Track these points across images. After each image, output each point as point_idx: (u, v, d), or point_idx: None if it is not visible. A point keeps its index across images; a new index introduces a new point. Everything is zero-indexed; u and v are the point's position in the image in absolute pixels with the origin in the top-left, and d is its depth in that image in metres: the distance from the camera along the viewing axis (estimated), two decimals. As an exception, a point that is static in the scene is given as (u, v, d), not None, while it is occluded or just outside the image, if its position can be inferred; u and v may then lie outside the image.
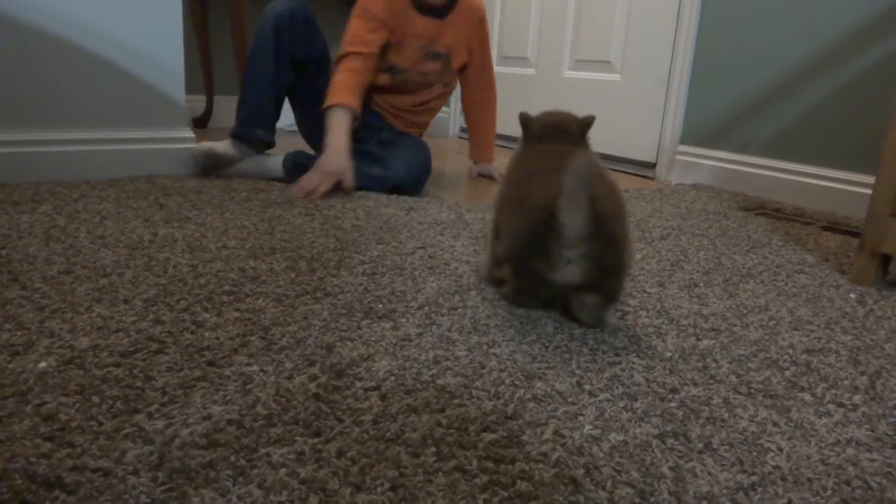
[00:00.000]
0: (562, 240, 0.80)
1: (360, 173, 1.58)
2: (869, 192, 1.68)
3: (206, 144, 1.67)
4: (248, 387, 0.66)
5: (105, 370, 0.67)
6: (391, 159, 1.62)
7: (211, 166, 1.68)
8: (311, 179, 1.52)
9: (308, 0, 1.66)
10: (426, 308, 0.90)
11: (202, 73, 2.65)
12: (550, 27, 2.61)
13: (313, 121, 1.66)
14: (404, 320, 0.85)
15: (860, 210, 1.71)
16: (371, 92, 1.71)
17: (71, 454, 0.53)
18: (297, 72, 1.67)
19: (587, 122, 1.02)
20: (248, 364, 0.70)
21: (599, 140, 2.42)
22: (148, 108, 1.64)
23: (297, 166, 1.64)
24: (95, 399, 0.61)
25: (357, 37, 1.59)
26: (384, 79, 1.71)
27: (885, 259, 1.15)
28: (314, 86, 1.68)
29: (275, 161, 1.70)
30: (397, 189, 1.63)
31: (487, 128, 1.98)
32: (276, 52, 1.60)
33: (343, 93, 1.55)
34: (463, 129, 3.19)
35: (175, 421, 0.59)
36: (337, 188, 1.54)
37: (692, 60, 2.12)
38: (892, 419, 0.69)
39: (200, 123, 2.73)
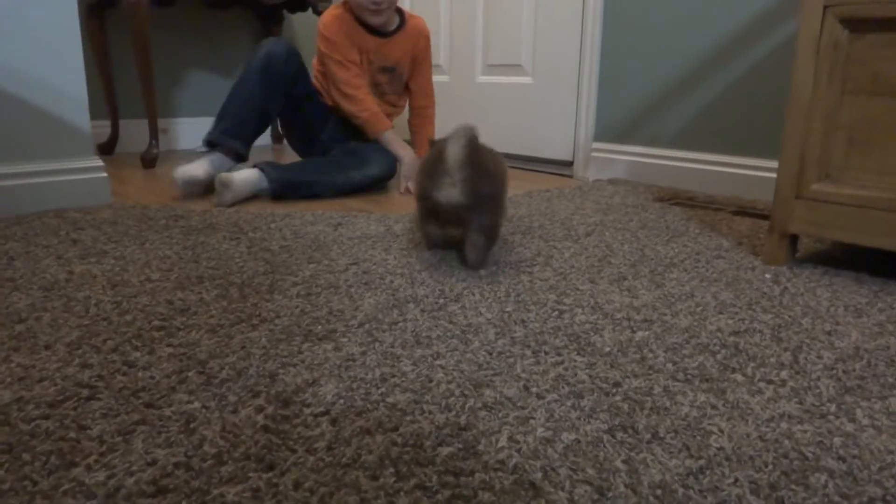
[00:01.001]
0: (445, 166, 1.06)
1: (341, 179, 1.83)
2: (771, 175, 1.79)
3: (184, 172, 1.71)
4: (192, 426, 0.63)
5: (33, 424, 0.63)
6: (368, 161, 1.87)
7: (195, 192, 1.75)
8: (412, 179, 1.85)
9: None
10: (366, 325, 0.89)
11: (105, 98, 2.53)
12: (461, 34, 2.65)
13: (303, 137, 2.01)
14: (346, 340, 0.84)
15: (765, 193, 1.81)
16: (336, 107, 1.96)
17: (6, 520, 0.50)
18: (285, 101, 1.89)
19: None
20: (189, 402, 0.68)
21: (517, 141, 2.47)
22: (51, 138, 1.56)
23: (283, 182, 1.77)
24: (26, 456, 0.58)
25: (350, 83, 1.89)
26: None
27: (794, 239, 1.22)
28: (302, 113, 1.95)
29: (253, 174, 1.74)
30: (375, 183, 1.90)
31: (428, 127, 2.17)
32: (263, 81, 1.78)
33: (382, 120, 1.93)
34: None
35: (117, 470, 0.56)
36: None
37: (599, 60, 2.20)
38: (817, 390, 0.74)
39: (106, 149, 2.61)
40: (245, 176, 1.70)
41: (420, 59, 2.05)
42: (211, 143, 1.81)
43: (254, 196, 1.75)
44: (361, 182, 1.86)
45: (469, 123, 1.09)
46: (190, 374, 0.74)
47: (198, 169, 1.75)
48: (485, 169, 1.10)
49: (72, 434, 0.61)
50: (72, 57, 1.55)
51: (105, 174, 1.65)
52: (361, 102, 1.89)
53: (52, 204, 1.57)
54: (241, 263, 1.16)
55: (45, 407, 0.66)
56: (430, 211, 1.17)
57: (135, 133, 2.66)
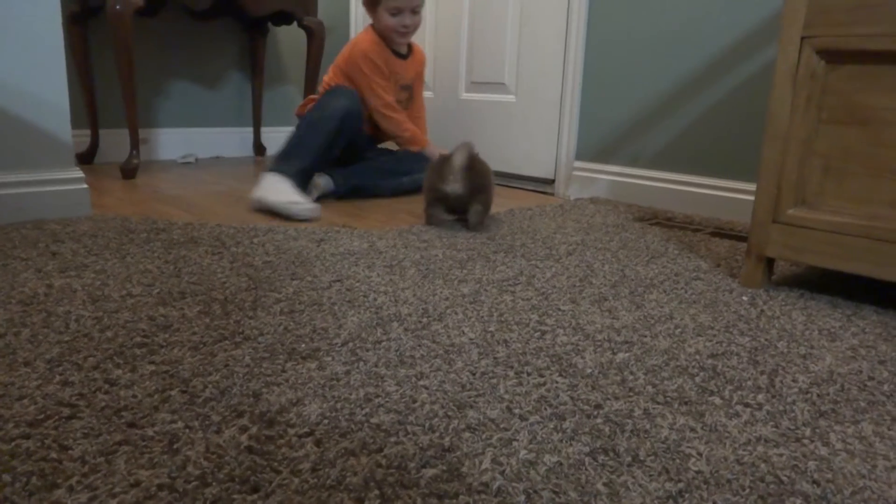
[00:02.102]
0: (451, 167, 1.58)
1: (395, 183, 2.11)
2: (747, 197, 1.82)
3: (299, 206, 1.73)
4: (176, 446, 0.63)
5: (13, 444, 0.62)
6: (416, 169, 2.11)
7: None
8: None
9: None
10: (350, 344, 0.90)
11: (85, 107, 2.51)
12: (445, 51, 2.67)
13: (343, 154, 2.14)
14: (329, 359, 0.85)
15: (741, 215, 1.85)
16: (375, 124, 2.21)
17: (-14, 543, 0.49)
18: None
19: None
20: (172, 421, 0.68)
21: (499, 158, 2.49)
22: (31, 148, 1.54)
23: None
24: (6, 477, 0.57)
25: (391, 106, 2.14)
26: None
27: (770, 262, 1.25)
28: (354, 147, 2.14)
29: (327, 179, 1.99)
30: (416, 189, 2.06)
31: (422, 129, 2.37)
32: (339, 129, 1.97)
33: (421, 137, 2.23)
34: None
35: (100, 492, 0.56)
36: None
37: (581, 81, 2.23)
38: (792, 414, 0.76)
39: (86, 159, 2.58)
40: (324, 180, 1.98)
41: (421, 77, 2.33)
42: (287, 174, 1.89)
43: (323, 196, 1.98)
44: (410, 187, 2.12)
45: (468, 141, 1.63)
46: (173, 392, 0.74)
47: (302, 199, 1.78)
48: (478, 170, 1.61)
49: (53, 454, 0.61)
50: (55, 67, 1.54)
51: (85, 185, 1.63)
52: (402, 123, 2.17)
53: (31, 215, 1.55)
54: (223, 279, 1.16)
55: (24, 426, 0.66)
56: (439, 199, 1.64)
57: (115, 143, 2.64)
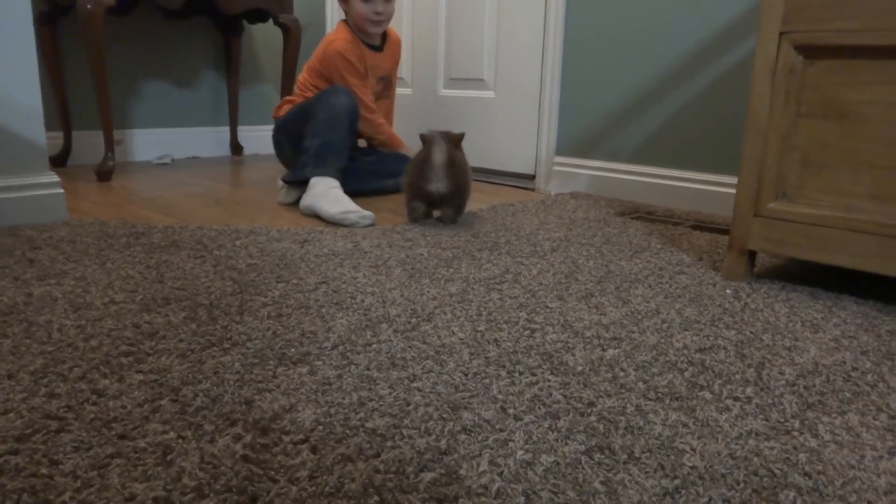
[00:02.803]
0: (433, 166, 1.60)
1: (380, 185, 2.11)
2: (727, 190, 1.85)
3: (351, 213, 1.69)
4: (169, 457, 0.62)
5: (1, 459, 0.61)
6: (397, 172, 2.07)
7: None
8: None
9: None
10: (340, 347, 0.89)
11: (57, 108, 2.46)
12: (423, 48, 2.66)
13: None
14: (320, 363, 0.84)
15: (721, 208, 1.87)
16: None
17: (-21, 564, 0.48)
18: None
19: (460, 136, 1.71)
20: (164, 432, 0.67)
21: (480, 154, 2.49)
22: (4, 152, 1.51)
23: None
24: (-4, 495, 0.56)
25: (369, 107, 2.12)
26: None
27: (752, 255, 1.26)
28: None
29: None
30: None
31: (390, 123, 2.36)
32: (350, 130, 1.97)
33: (397, 138, 2.22)
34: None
35: (94, 507, 0.55)
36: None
37: (561, 76, 2.24)
38: (781, 407, 0.77)
39: (59, 162, 2.53)
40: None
41: (398, 63, 2.31)
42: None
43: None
44: (396, 188, 2.12)
45: (444, 131, 1.66)
46: (163, 402, 0.73)
47: (355, 207, 1.74)
48: (458, 165, 1.62)
49: (43, 470, 0.60)
50: (27, 69, 1.51)
51: (61, 190, 1.60)
52: (380, 126, 2.17)
53: (6, 222, 1.52)
54: (207, 283, 1.15)
55: (12, 441, 0.64)
56: (421, 196, 1.66)
57: (88, 145, 2.59)
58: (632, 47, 2.04)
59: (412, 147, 2.15)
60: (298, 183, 1.89)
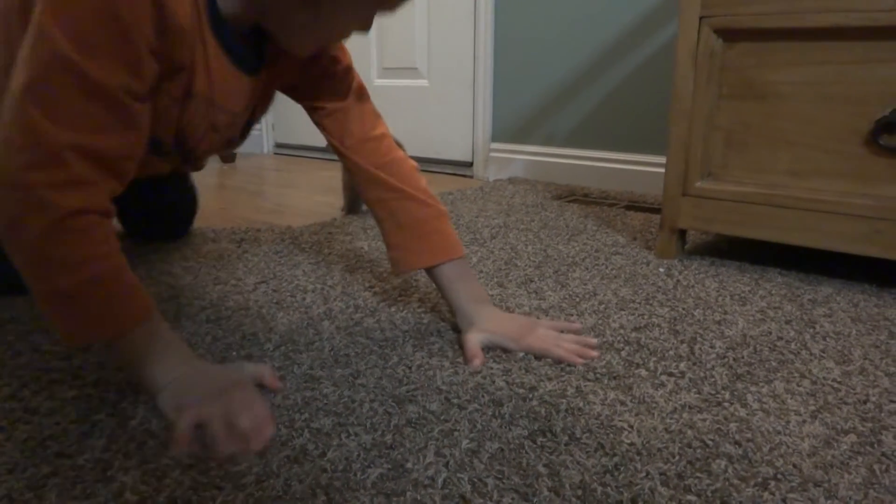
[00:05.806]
0: None
1: None
2: (658, 170, 1.90)
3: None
4: (109, 473, 0.61)
5: (-73, 488, 0.59)
6: None
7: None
8: None
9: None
10: (282, 347, 0.89)
11: None
12: (355, 38, 2.63)
13: None
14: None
15: (653, 187, 1.93)
16: None
17: None
18: None
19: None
20: (104, 448, 0.65)
21: (417, 143, 2.49)
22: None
23: None
24: (-76, 526, 0.54)
25: None
26: None
27: (682, 233, 1.31)
28: None
29: None
30: None
31: None
32: None
33: None
34: (279, 145, 3.12)
35: (31, 531, 0.53)
36: None
37: (493, 63, 2.25)
38: (712, 379, 0.80)
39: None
40: None
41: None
42: None
43: None
44: None
45: None
46: (100, 416, 0.71)
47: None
48: None
49: (-26, 495, 0.58)
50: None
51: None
52: None
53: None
54: (142, 289, 1.11)
55: (-61, 468, 0.62)
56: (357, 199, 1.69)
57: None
58: (563, 32, 2.07)
59: None
60: None
